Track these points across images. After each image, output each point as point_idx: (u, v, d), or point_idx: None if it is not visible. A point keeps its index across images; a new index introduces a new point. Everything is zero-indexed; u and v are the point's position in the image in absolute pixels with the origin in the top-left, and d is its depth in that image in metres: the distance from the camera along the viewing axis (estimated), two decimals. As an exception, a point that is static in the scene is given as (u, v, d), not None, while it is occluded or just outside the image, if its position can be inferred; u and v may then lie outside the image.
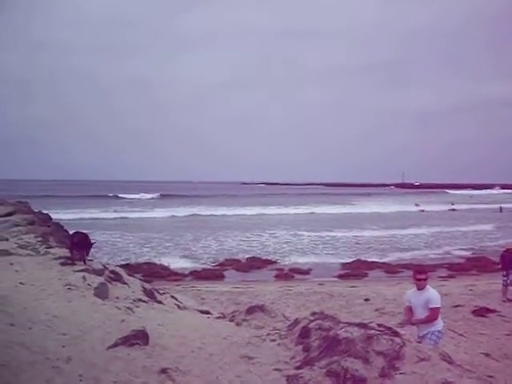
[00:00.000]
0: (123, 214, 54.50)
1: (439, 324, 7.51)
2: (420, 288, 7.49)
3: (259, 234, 38.10)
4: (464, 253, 29.58)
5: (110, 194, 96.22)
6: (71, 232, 12.35)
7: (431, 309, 7.28)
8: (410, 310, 7.65)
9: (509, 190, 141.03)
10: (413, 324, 7.58)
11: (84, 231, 11.93)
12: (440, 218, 52.66)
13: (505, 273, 15.57)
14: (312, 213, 61.63)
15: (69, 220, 37.49)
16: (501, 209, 65.40)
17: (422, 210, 67.02)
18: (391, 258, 27.74)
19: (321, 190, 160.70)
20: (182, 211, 60.37)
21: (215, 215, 57.84)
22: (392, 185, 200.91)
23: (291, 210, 64.36)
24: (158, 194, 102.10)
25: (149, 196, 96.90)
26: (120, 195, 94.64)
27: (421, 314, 7.41)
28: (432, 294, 7.41)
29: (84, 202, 71.77)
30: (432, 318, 7.31)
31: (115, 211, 59.47)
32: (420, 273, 7.61)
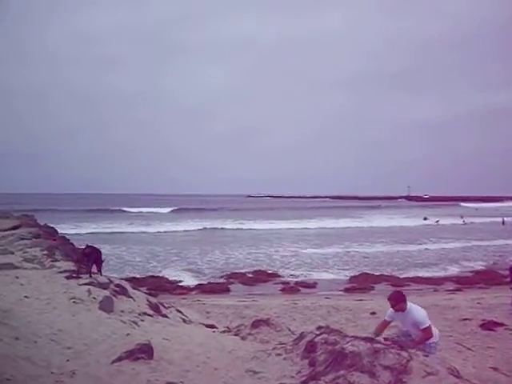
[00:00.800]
0: (136, 229, 54.25)
1: (434, 336, 7.42)
2: (397, 311, 7.34)
3: (266, 249, 37.94)
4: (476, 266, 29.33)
5: (114, 208, 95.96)
6: (82, 245, 12.39)
7: (423, 330, 7.18)
8: (386, 324, 7.51)
9: None
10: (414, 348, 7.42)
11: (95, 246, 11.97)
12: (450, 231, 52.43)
13: None
14: (321, 227, 61.07)
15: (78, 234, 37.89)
16: (503, 221, 64.97)
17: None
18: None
19: (327, 203, 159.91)
20: (193, 225, 60.22)
21: (223, 228, 57.91)
22: (401, 197, 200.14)
23: (299, 225, 63.77)
24: (170, 208, 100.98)
25: (163, 210, 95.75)
26: (124, 209, 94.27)
27: (412, 333, 7.30)
28: (417, 315, 7.20)
29: (88, 216, 71.97)
30: (428, 337, 7.22)
31: (131, 224, 59.59)
32: (389, 300, 7.47)
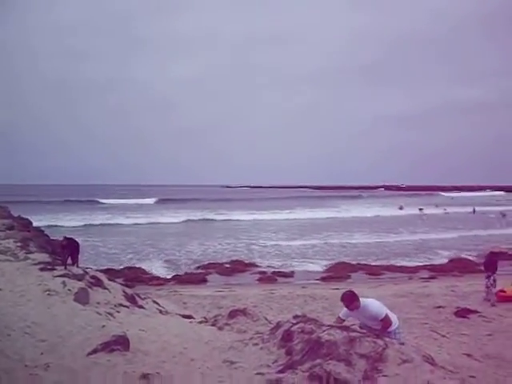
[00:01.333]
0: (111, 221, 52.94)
1: (394, 323, 7.48)
2: (352, 310, 7.30)
3: (246, 239, 37.92)
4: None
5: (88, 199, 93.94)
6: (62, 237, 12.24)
7: (382, 320, 7.22)
8: (341, 322, 7.28)
9: (499, 192, 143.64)
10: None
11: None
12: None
13: (488, 274, 15.73)
14: (301, 218, 60.52)
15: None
16: (474, 210, 68.04)
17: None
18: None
19: (309, 193, 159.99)
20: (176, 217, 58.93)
21: (204, 219, 57.45)
22: (378, 187, 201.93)
23: (280, 216, 63.42)
24: (154, 198, 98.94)
25: (148, 201, 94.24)
26: (101, 200, 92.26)
27: (373, 325, 7.24)
28: (372, 308, 7.18)
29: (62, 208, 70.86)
30: (388, 326, 7.25)
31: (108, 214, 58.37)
32: (342, 301, 7.49)
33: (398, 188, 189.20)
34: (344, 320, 7.44)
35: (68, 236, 11.89)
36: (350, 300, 7.31)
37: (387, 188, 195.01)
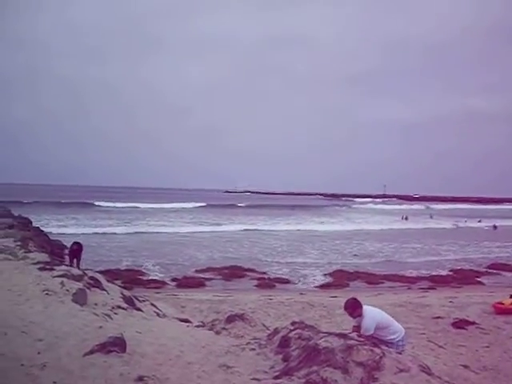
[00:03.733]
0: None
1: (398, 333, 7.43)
2: (355, 317, 7.35)
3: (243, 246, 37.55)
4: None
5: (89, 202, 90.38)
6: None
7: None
8: (358, 330, 7.21)
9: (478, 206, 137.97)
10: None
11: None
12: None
13: None
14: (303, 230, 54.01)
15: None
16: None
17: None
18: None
19: (305, 201, 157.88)
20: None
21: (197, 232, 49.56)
22: (375, 196, 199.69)
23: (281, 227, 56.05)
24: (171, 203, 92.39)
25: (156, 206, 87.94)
26: (97, 203, 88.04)
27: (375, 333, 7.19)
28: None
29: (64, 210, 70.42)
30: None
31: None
32: (346, 309, 7.49)
33: (411, 198, 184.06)
34: (358, 326, 7.33)
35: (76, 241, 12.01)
36: (353, 307, 7.31)
37: (399, 198, 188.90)
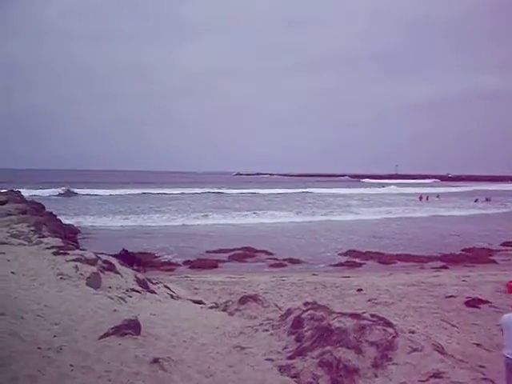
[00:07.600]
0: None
1: None
2: None
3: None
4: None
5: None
6: None
7: None
8: None
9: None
10: None
11: None
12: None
13: None
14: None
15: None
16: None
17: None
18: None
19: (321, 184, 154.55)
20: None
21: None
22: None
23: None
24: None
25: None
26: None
27: None
28: None
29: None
30: None
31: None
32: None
33: (445, 178, 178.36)
34: None
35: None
36: None
37: (435, 178, 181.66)
